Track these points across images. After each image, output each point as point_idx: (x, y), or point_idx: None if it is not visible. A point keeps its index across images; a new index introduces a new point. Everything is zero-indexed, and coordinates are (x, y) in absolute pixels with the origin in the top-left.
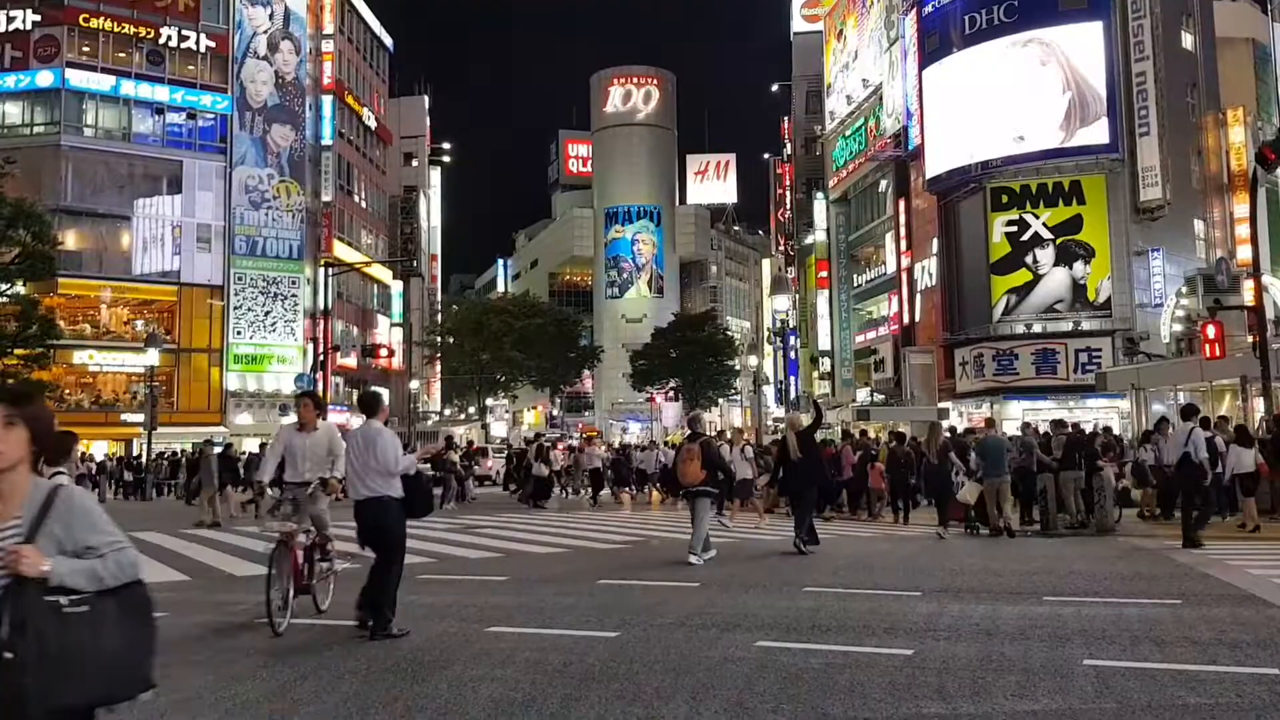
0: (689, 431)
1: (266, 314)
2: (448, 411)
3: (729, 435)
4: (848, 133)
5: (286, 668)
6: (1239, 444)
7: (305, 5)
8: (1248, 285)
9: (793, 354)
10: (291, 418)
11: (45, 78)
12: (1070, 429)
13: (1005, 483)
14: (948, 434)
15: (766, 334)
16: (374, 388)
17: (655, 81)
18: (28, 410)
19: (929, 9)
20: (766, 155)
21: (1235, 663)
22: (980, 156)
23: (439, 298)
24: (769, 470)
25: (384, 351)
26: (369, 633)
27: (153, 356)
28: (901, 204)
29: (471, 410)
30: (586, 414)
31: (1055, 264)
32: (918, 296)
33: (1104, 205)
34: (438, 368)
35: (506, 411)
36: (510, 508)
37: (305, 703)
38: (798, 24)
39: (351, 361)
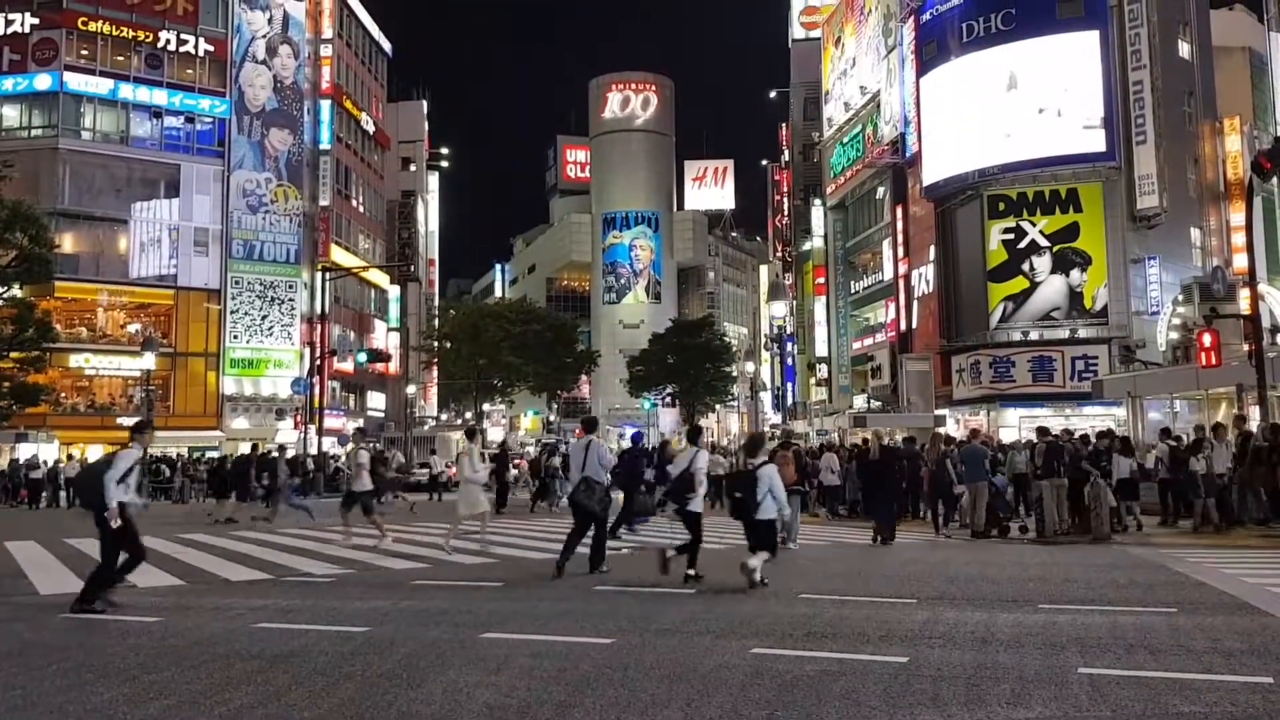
0: (684, 440)
1: (263, 318)
2: (444, 416)
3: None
4: (845, 139)
5: (281, 673)
6: (1121, 454)
7: (304, 10)
8: (1244, 293)
9: (790, 360)
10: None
11: (43, 81)
12: (1054, 437)
13: (983, 487)
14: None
15: (764, 340)
16: (591, 414)
17: (653, 87)
18: None
19: (927, 17)
20: (764, 161)
21: (1230, 671)
22: (977, 164)
23: (436, 302)
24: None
25: (385, 356)
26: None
27: (149, 360)
28: (899, 211)
29: (469, 415)
30: None
31: (1052, 271)
32: (915, 303)
33: (1101, 213)
34: (435, 373)
35: (504, 417)
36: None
37: (300, 708)
38: (796, 31)
39: (348, 366)
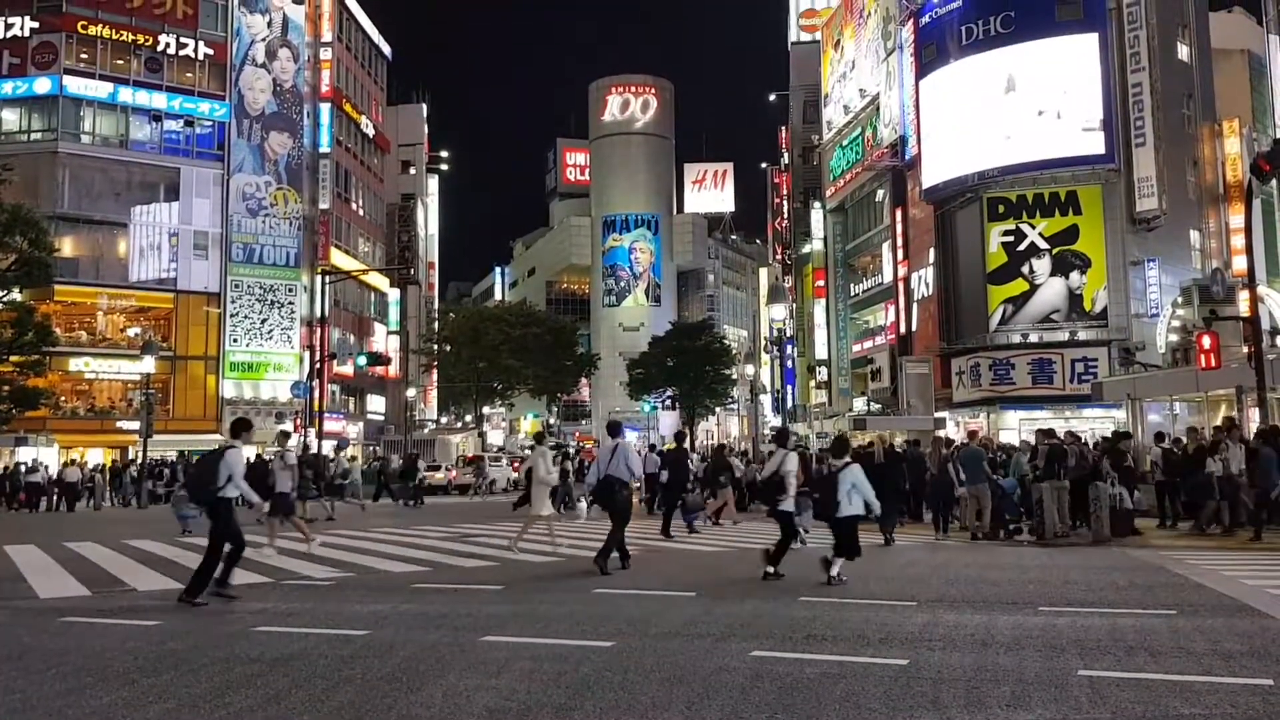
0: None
1: (263, 321)
2: (444, 419)
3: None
4: (845, 142)
5: (281, 676)
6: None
7: (303, 13)
8: (1243, 296)
9: (790, 363)
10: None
11: (43, 84)
12: (1057, 439)
13: (983, 489)
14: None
15: (764, 343)
16: (615, 418)
17: (653, 90)
18: None
19: (926, 19)
20: (764, 164)
21: (1230, 673)
22: (977, 166)
23: (436, 306)
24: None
25: (385, 359)
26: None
27: (149, 364)
28: (898, 213)
29: (469, 418)
30: (584, 422)
31: (1051, 274)
32: (914, 306)
33: (1100, 215)
34: (435, 376)
35: (504, 420)
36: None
37: (300, 711)
38: (795, 34)
39: (348, 369)
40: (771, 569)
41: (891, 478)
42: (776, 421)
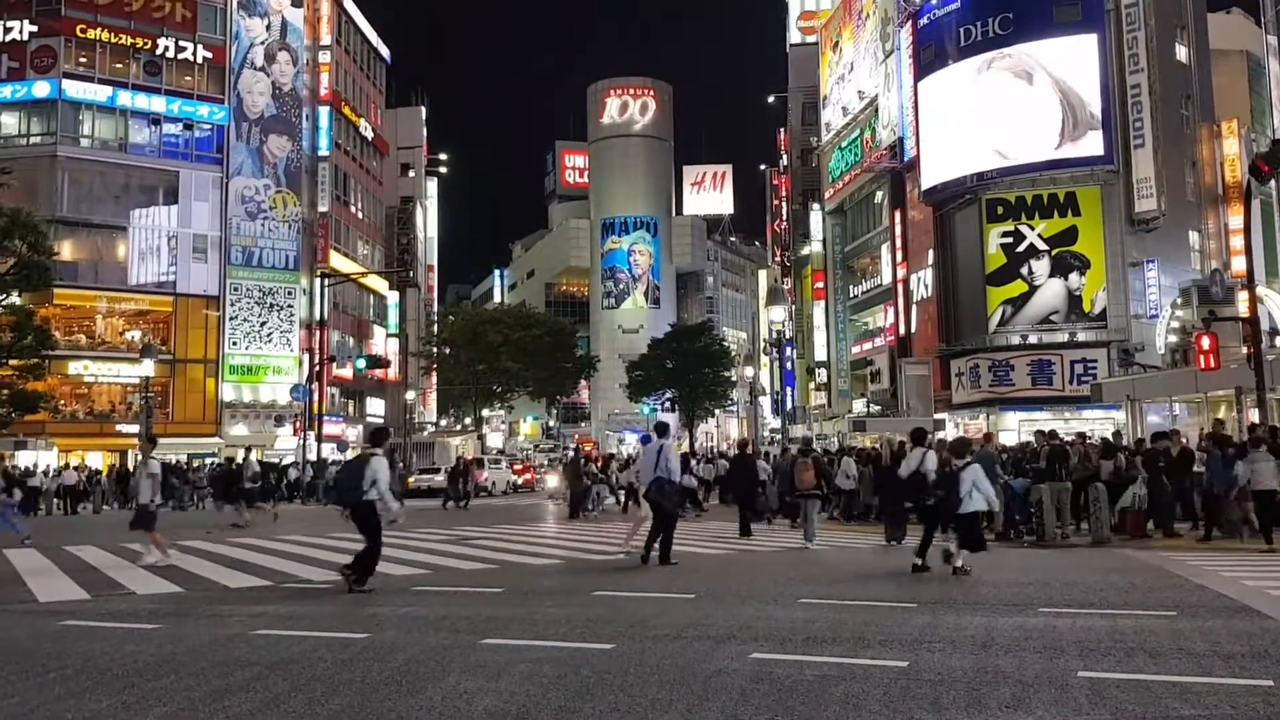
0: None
1: (262, 324)
2: (444, 422)
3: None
4: (843, 144)
5: (281, 680)
6: (1103, 457)
7: (302, 16)
8: (1242, 296)
9: (789, 365)
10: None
11: (42, 88)
12: (1060, 440)
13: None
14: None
15: (763, 345)
16: (663, 419)
17: (652, 92)
18: None
19: (924, 21)
20: (763, 166)
21: (1230, 674)
22: (976, 168)
23: (435, 308)
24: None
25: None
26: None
27: (148, 367)
28: (897, 215)
29: (468, 421)
30: (583, 424)
31: (1051, 275)
32: (914, 307)
33: (1099, 217)
34: (434, 378)
35: (503, 422)
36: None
37: (299, 715)
38: (794, 36)
39: (347, 372)
40: (919, 561)
41: (896, 479)
42: (776, 423)
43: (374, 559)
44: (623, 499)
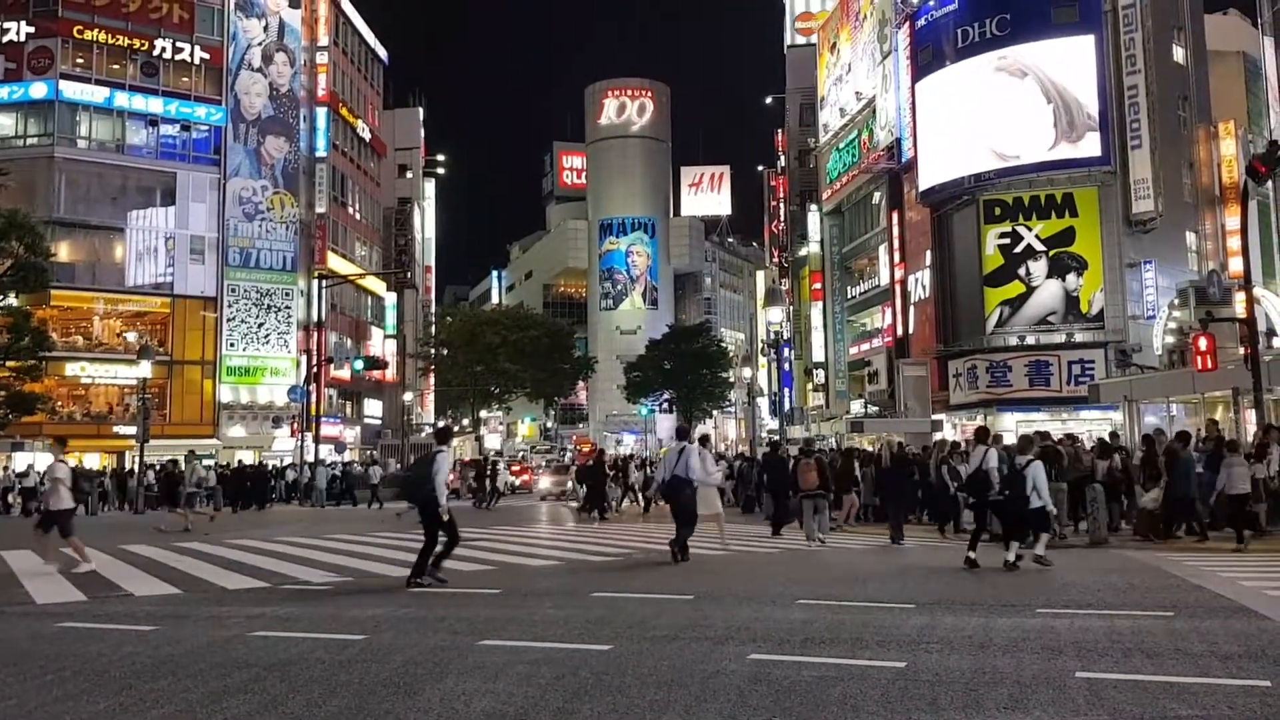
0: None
1: (260, 326)
2: (442, 423)
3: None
4: (841, 145)
5: (279, 681)
6: (1099, 457)
7: (300, 17)
8: (1239, 297)
9: (787, 366)
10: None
11: (39, 89)
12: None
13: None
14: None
15: (761, 346)
16: (681, 424)
17: (649, 93)
18: None
19: (922, 22)
20: (760, 168)
21: (1227, 675)
22: (973, 169)
23: (433, 309)
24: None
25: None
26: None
27: (145, 368)
28: (895, 216)
29: (466, 422)
30: (581, 426)
31: (1048, 276)
32: (911, 308)
33: (1096, 217)
34: (432, 379)
35: (501, 423)
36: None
37: (298, 717)
38: (791, 37)
39: (345, 373)
40: (1011, 557)
41: (897, 481)
42: (774, 424)
43: (435, 547)
44: (642, 501)
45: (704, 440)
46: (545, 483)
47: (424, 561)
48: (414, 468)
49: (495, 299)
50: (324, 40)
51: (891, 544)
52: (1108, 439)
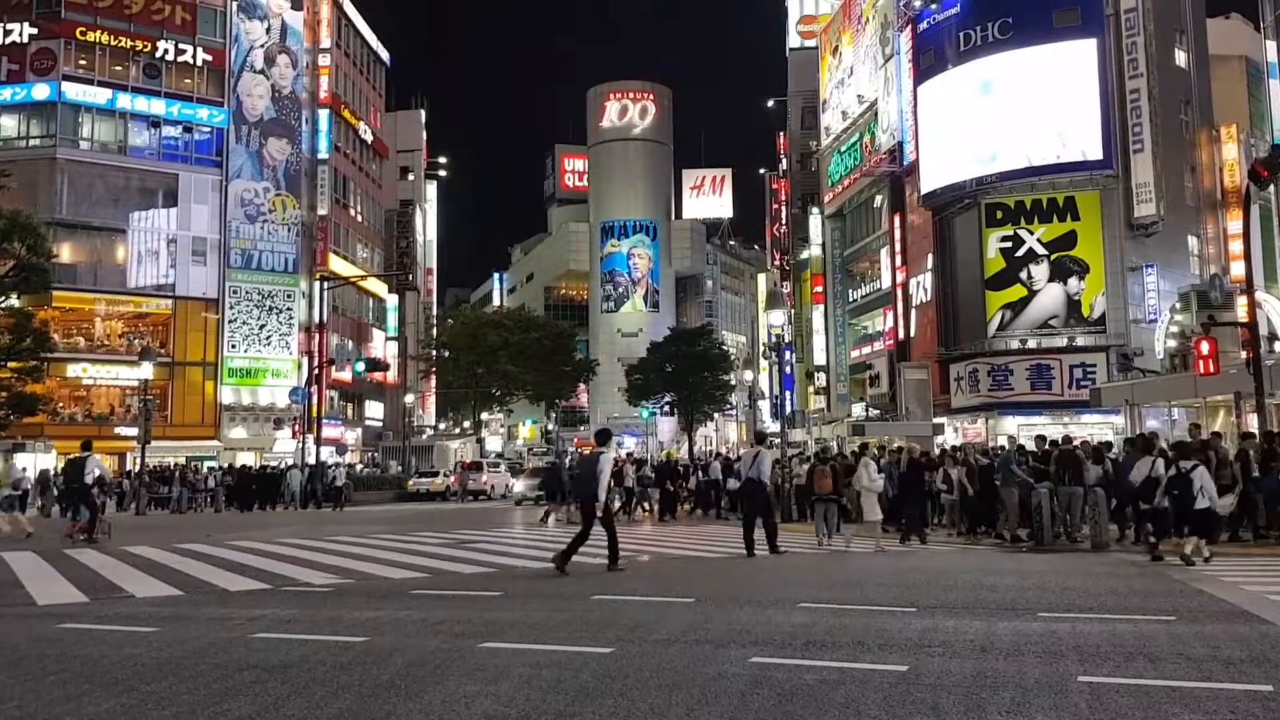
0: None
1: (261, 327)
2: (443, 425)
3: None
4: (843, 148)
5: (280, 683)
6: (1093, 461)
7: (302, 19)
8: (1241, 301)
9: (788, 369)
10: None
11: (41, 90)
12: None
13: (1011, 493)
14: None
15: (762, 348)
16: (761, 429)
17: (651, 96)
18: None
19: (924, 25)
20: (762, 170)
21: (1229, 679)
22: (975, 172)
23: (435, 311)
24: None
25: (384, 365)
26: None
27: (147, 370)
28: (896, 219)
29: (467, 424)
30: (582, 428)
31: (1050, 279)
32: (913, 311)
33: (1098, 221)
34: (433, 382)
35: (502, 426)
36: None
37: (298, 718)
38: (794, 40)
39: (346, 375)
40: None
41: (915, 485)
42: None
43: (615, 542)
44: (649, 506)
45: (759, 438)
46: (520, 485)
47: (614, 551)
48: (580, 466)
49: (496, 301)
50: (326, 42)
51: (903, 546)
52: (1099, 445)
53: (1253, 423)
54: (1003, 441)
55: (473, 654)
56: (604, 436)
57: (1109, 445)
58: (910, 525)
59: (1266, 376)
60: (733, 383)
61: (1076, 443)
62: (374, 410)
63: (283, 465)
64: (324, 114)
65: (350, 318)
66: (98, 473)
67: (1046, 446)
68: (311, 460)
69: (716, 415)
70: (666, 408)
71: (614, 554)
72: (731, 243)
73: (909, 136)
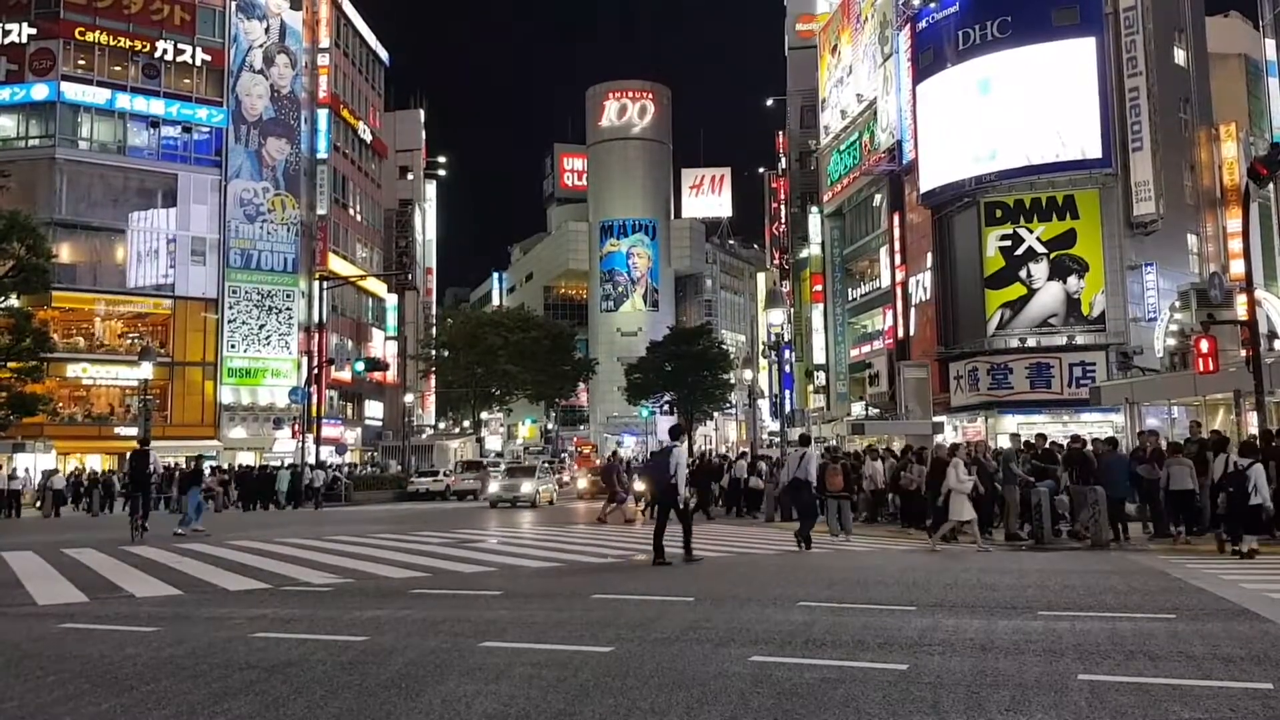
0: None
1: (261, 327)
2: (442, 425)
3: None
4: (842, 147)
5: (280, 683)
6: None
7: (301, 19)
8: (1241, 299)
9: (788, 368)
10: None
11: (41, 90)
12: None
13: (1011, 492)
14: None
15: (761, 347)
16: (806, 433)
17: (650, 95)
18: None
19: (923, 25)
20: (761, 169)
21: (1229, 677)
22: (974, 171)
23: (434, 311)
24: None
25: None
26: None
27: (147, 370)
28: (896, 218)
29: (467, 424)
30: (581, 427)
31: (1049, 278)
32: (912, 310)
33: (1097, 219)
34: (433, 381)
35: (501, 425)
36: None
37: (299, 717)
38: (792, 39)
39: (346, 375)
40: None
41: (934, 486)
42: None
43: (690, 534)
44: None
45: (803, 440)
46: (494, 487)
47: (688, 541)
48: (653, 460)
49: (496, 300)
50: (325, 42)
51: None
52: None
53: (1252, 421)
54: (1004, 441)
55: (473, 653)
56: (677, 432)
57: (1114, 443)
58: (934, 522)
59: (1266, 375)
60: (732, 382)
61: (1088, 441)
62: (373, 410)
63: (283, 464)
64: (323, 114)
65: (350, 317)
66: (161, 469)
67: (1048, 445)
68: (312, 459)
69: (716, 414)
70: (666, 407)
71: (689, 545)
72: (731, 242)
73: (908, 135)
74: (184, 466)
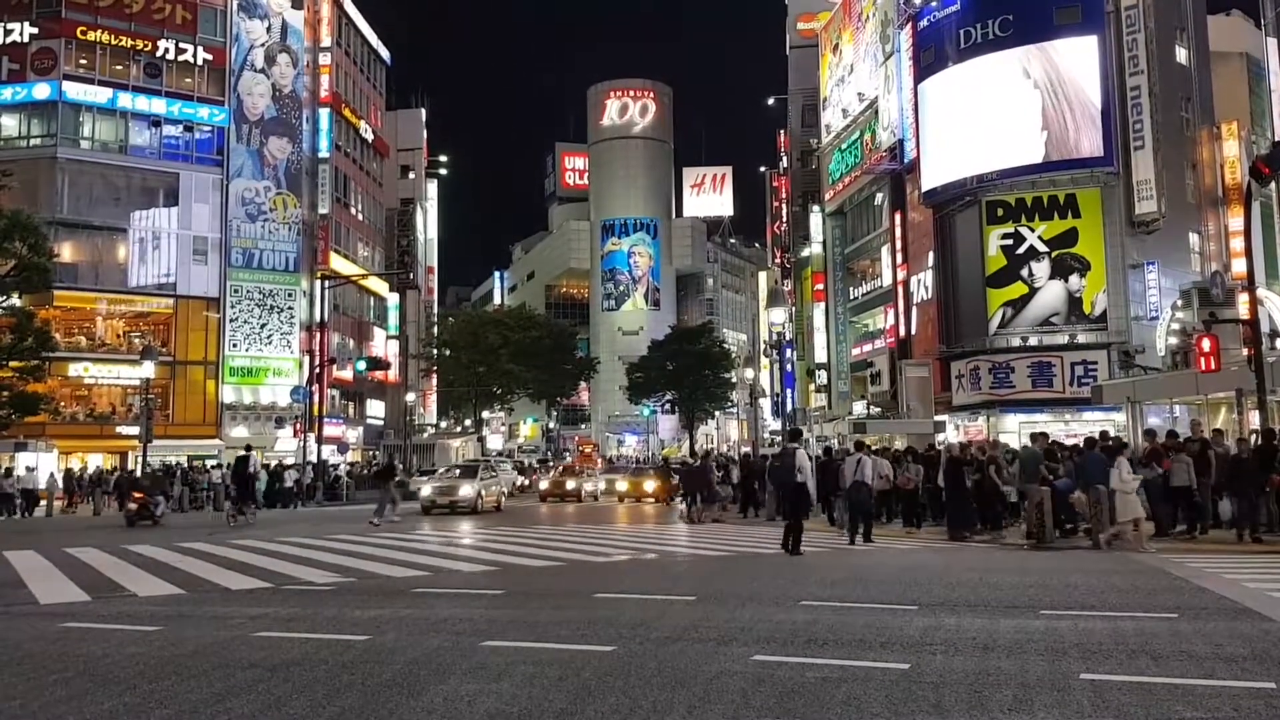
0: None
1: (263, 326)
2: (444, 424)
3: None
4: (843, 146)
5: (283, 682)
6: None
7: (302, 18)
8: (1242, 298)
9: (789, 367)
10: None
11: (42, 90)
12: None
13: (1034, 490)
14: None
15: (763, 346)
16: (859, 437)
17: (652, 94)
18: None
19: (924, 23)
20: (763, 168)
21: (1232, 676)
22: (975, 170)
23: (435, 310)
24: None
25: (385, 364)
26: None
27: (148, 369)
28: (897, 217)
29: (468, 423)
30: (583, 426)
31: (1051, 277)
32: (914, 309)
33: (1099, 218)
34: (434, 380)
35: (503, 424)
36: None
37: (300, 717)
38: (794, 38)
39: (347, 374)
40: None
41: (954, 483)
42: (776, 425)
43: (800, 530)
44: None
45: (858, 445)
46: (468, 489)
47: (798, 539)
48: (777, 460)
49: (497, 300)
50: (326, 41)
51: (953, 541)
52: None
53: (1254, 420)
54: (1004, 439)
55: (475, 652)
56: (796, 435)
57: (1124, 444)
58: (953, 521)
59: (1268, 373)
60: (733, 380)
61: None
62: (375, 409)
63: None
64: (324, 113)
65: (351, 316)
66: (262, 471)
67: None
68: (313, 458)
69: (717, 413)
70: (667, 405)
71: (797, 540)
72: (732, 241)
73: (909, 134)
74: (378, 463)
